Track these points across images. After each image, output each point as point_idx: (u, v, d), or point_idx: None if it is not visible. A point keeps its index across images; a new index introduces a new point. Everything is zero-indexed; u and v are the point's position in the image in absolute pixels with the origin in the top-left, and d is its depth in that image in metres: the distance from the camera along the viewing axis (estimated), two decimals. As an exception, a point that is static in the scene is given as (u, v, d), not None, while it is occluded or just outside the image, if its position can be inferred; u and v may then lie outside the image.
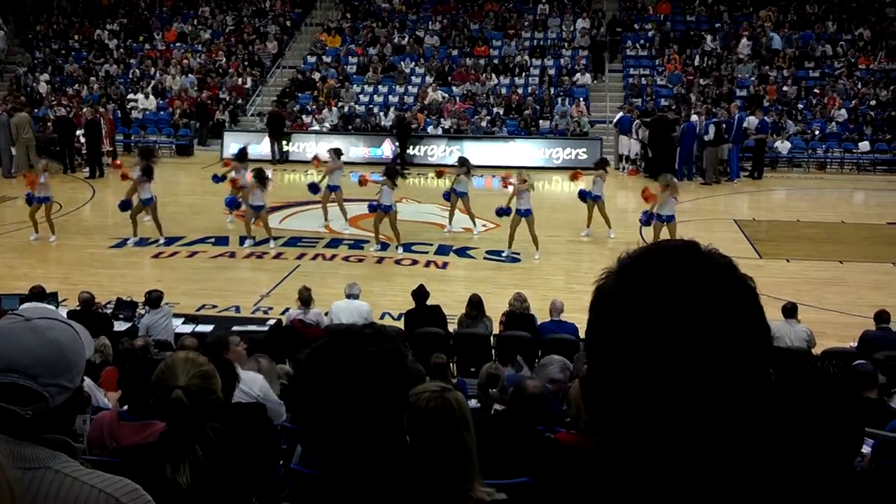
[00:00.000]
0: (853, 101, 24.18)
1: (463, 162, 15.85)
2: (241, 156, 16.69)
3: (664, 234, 13.89)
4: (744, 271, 1.04)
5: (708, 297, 0.97)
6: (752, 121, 21.81)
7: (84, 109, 22.58)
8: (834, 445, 1.38)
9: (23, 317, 1.81)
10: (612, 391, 0.99)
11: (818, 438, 1.36)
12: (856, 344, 9.25)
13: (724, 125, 21.40)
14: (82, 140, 21.89)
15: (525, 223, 14.19)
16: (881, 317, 9.47)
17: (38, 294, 10.08)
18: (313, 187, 16.24)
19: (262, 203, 14.92)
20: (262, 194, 14.86)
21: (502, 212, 14.52)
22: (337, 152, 16.47)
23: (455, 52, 27.91)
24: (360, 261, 14.47)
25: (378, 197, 14.72)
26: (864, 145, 22.97)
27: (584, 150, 22.88)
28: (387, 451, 1.42)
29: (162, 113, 25.98)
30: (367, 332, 1.51)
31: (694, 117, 21.88)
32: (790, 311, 9.63)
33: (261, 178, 14.88)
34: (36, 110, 24.40)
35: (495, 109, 25.00)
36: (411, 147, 23.13)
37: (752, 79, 25.44)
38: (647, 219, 14.11)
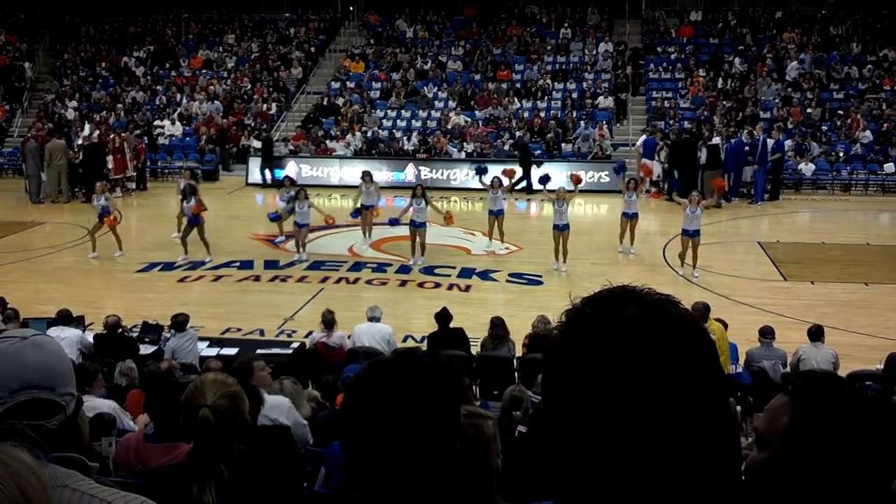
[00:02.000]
0: (884, 125, 23.96)
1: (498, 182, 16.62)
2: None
3: (689, 247, 14.44)
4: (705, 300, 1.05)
5: (639, 338, 0.99)
6: (769, 142, 21.71)
7: (111, 135, 22.85)
8: (873, 470, 1.34)
9: (17, 337, 1.87)
10: (564, 440, 1.02)
11: (856, 463, 1.33)
12: (882, 366, 9.13)
13: (747, 147, 21.34)
14: (110, 166, 22.14)
15: (561, 237, 14.70)
16: (909, 339, 9.36)
17: (64, 318, 10.14)
18: (357, 212, 17.15)
19: (308, 221, 15.67)
20: (307, 212, 15.67)
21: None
22: (370, 175, 17.37)
23: (478, 77, 28.07)
24: (384, 284, 14.52)
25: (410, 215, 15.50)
26: (889, 167, 22.73)
27: (607, 172, 22.85)
28: (428, 478, 1.37)
29: (188, 139, 26.31)
30: (425, 361, 1.45)
31: (717, 139, 21.83)
32: (816, 333, 9.52)
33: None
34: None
35: (518, 133, 25.08)
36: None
37: (776, 101, 25.34)
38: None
